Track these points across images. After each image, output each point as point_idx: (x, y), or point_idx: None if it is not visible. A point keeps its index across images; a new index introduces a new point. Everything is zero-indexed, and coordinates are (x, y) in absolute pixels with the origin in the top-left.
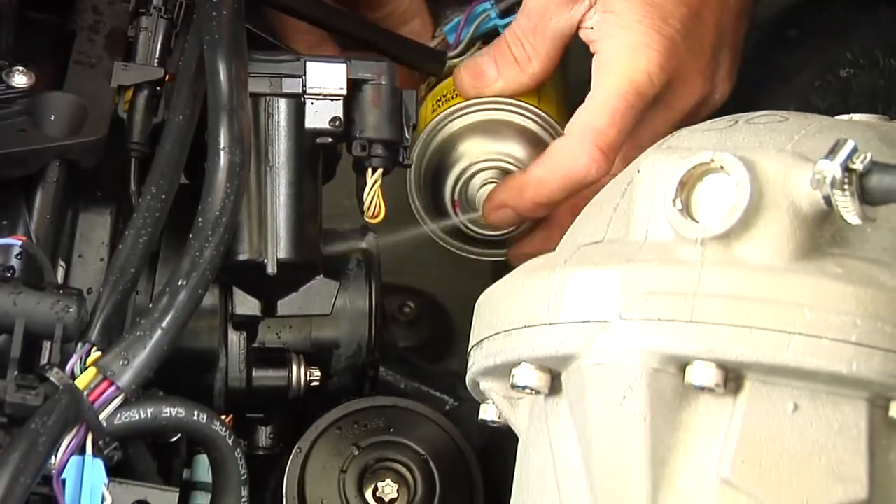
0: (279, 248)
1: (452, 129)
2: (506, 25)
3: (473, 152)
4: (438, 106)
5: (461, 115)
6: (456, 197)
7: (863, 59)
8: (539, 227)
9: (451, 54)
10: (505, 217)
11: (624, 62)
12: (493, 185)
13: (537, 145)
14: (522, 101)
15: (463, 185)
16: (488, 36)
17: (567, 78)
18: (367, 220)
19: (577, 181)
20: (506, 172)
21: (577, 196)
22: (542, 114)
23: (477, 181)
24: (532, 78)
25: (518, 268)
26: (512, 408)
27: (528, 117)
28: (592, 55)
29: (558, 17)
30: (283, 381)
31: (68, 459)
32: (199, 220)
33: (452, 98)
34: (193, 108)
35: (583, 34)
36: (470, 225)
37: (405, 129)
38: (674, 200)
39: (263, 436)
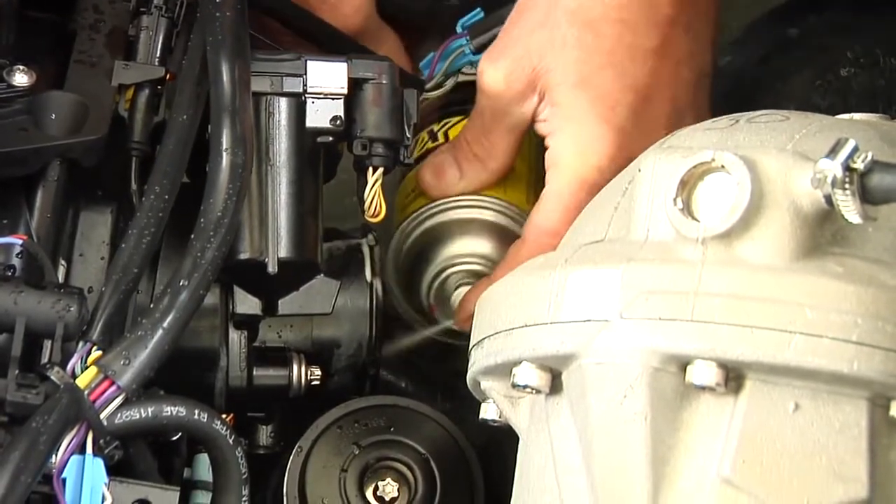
0: (280, 247)
1: (420, 230)
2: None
3: (442, 256)
4: (408, 201)
5: (428, 218)
6: (432, 301)
7: (863, 59)
8: None
9: (424, 88)
10: None
11: (572, 158)
12: (466, 286)
13: (507, 238)
14: (488, 196)
15: (437, 289)
16: (466, 85)
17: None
18: (367, 219)
19: None
20: (476, 273)
21: None
22: (509, 205)
23: (450, 284)
24: (493, 174)
25: (519, 267)
26: (512, 407)
27: (495, 210)
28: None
29: (511, 114)
30: (284, 380)
31: (69, 458)
32: (201, 220)
33: (417, 197)
34: (196, 108)
35: (536, 128)
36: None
37: (406, 127)
38: (674, 199)
39: (264, 435)
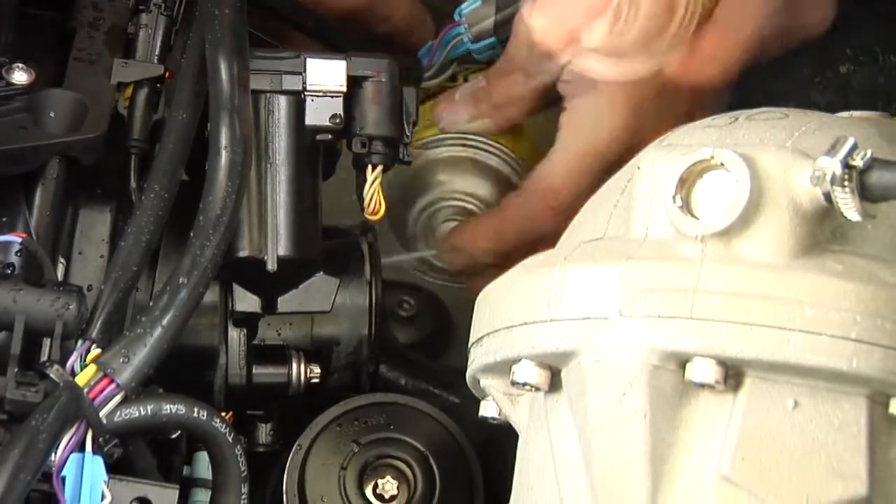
0: (279, 244)
1: (424, 159)
2: (479, 50)
3: (440, 188)
4: (419, 129)
5: (434, 147)
6: (418, 229)
7: (862, 56)
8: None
9: (424, 76)
10: (459, 260)
11: (589, 124)
12: (454, 222)
13: (505, 185)
14: (496, 142)
15: (426, 218)
16: (462, 60)
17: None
18: (367, 216)
19: (529, 236)
20: (468, 212)
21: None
22: (514, 156)
23: (440, 216)
24: (507, 121)
25: (518, 264)
26: (512, 404)
27: (499, 157)
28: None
29: (537, 68)
30: (284, 378)
31: (68, 456)
32: (201, 218)
33: (428, 127)
34: (195, 107)
35: (559, 87)
36: (429, 257)
37: (405, 125)
38: (674, 197)
39: (263, 433)
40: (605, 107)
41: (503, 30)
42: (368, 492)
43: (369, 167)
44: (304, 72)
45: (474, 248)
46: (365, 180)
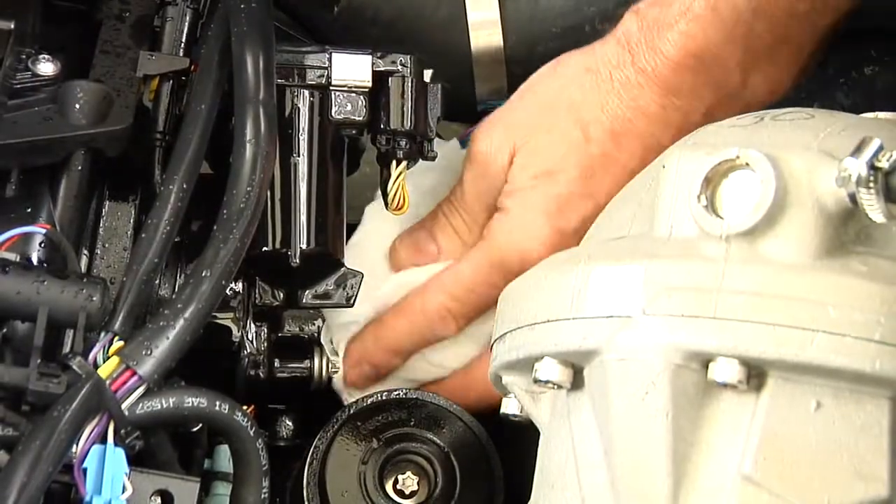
0: (303, 239)
1: None
2: None
3: None
4: None
5: None
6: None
7: (887, 57)
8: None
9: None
10: (362, 374)
11: (503, 240)
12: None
13: None
14: None
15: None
16: None
17: None
18: (391, 212)
19: (425, 339)
20: None
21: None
22: None
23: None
24: (469, 247)
25: (542, 262)
26: (534, 402)
27: None
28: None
29: (491, 187)
30: (306, 372)
31: (90, 448)
32: (224, 211)
33: None
34: (214, 98)
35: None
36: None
37: (430, 121)
38: (698, 196)
39: (285, 426)
40: (525, 227)
41: None
42: (389, 487)
43: (393, 162)
44: (330, 66)
45: (376, 351)
46: (389, 176)
